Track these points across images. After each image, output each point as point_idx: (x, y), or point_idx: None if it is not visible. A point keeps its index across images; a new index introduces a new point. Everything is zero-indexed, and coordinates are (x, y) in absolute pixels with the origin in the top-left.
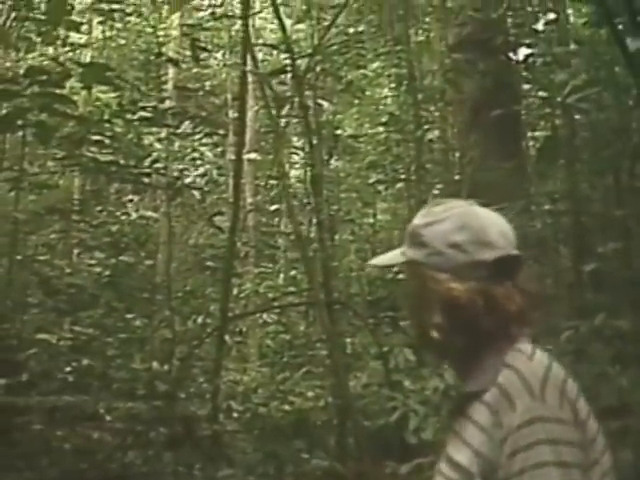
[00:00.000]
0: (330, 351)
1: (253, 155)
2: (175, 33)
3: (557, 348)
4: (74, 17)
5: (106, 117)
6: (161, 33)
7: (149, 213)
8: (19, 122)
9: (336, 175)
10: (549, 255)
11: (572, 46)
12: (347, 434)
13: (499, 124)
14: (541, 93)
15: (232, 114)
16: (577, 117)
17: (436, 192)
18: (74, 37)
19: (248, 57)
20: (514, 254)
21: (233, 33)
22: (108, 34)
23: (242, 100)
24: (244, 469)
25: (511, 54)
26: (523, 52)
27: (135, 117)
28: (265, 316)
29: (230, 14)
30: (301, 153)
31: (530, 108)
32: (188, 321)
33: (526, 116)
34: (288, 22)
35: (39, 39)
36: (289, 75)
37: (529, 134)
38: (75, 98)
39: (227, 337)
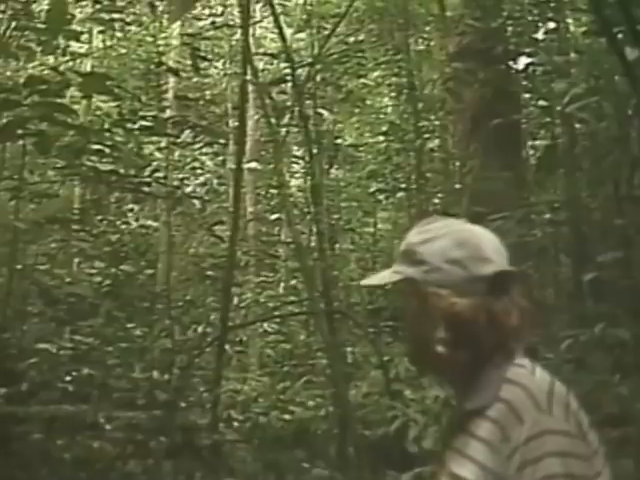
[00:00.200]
0: (330, 360)
1: (253, 164)
2: (175, 42)
3: (557, 357)
4: (74, 26)
5: (106, 126)
6: (161, 42)
7: (149, 222)
8: (19, 131)
9: (336, 184)
10: (549, 264)
11: (572, 55)
12: (348, 443)
13: (499, 133)
14: (541, 102)
15: (232, 123)
16: (577, 126)
17: (436, 201)
18: (74, 46)
19: (248, 66)
20: (510, 270)
21: (233, 42)
22: (108, 43)
23: (242, 109)
24: (244, 479)
25: (511, 63)
26: (523, 61)
27: (135, 126)
28: (265, 325)
29: (230, 23)
30: (301, 162)
31: (530, 117)
32: (188, 330)
33: (526, 125)
34: (288, 31)
35: (39, 48)
36: (289, 84)
37: (529, 143)
38: (75, 107)
39: (227, 346)
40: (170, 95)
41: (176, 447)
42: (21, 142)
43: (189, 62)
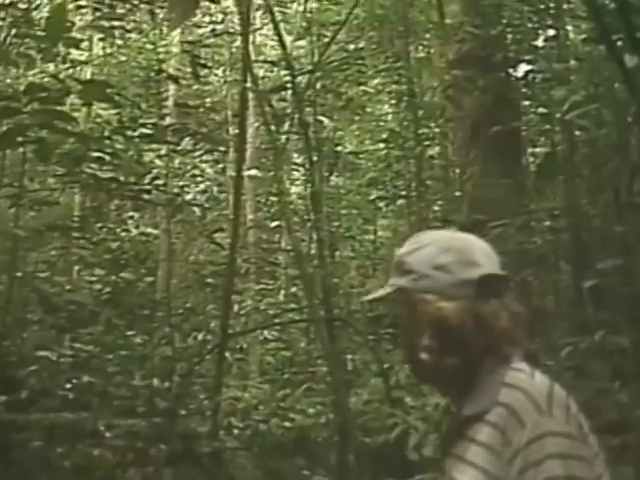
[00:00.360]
0: (331, 368)
1: (254, 172)
2: (176, 50)
3: (557, 364)
4: (74, 34)
5: (106, 134)
6: (161, 50)
7: (149, 230)
8: (19, 139)
9: (337, 192)
10: (549, 271)
11: (571, 62)
12: (348, 451)
13: (499, 140)
14: (541, 109)
15: (232, 131)
16: (577, 133)
17: (437, 209)
18: (75, 54)
19: (248, 74)
20: (499, 274)
21: (234, 50)
22: (108, 51)
23: (242, 117)
24: None
25: (511, 70)
26: (523, 68)
27: (135, 134)
28: (266, 333)
29: (230, 31)
30: (302, 170)
31: (530, 124)
32: (188, 338)
33: (526, 132)
34: (288, 39)
35: (39, 56)
36: (289, 92)
37: (529, 150)
38: (75, 115)
39: (227, 354)
40: (170, 102)
41: (176, 455)
42: (21, 150)
43: (189, 69)
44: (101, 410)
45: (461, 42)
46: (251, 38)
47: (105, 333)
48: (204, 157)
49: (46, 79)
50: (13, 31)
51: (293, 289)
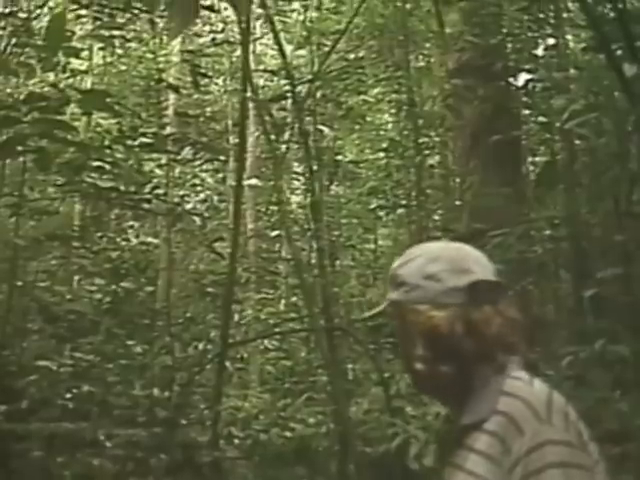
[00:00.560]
0: (331, 377)
1: (254, 181)
2: (176, 59)
3: (558, 373)
4: (74, 43)
5: (106, 143)
6: (161, 59)
7: (149, 239)
8: (19, 148)
9: (337, 201)
10: (549, 280)
11: (571, 71)
12: (348, 460)
13: (499, 149)
14: (541, 118)
15: (233, 140)
16: (577, 142)
17: (437, 218)
18: (75, 63)
19: (248, 83)
20: (491, 280)
21: (234, 59)
22: (108, 60)
23: (242, 126)
24: None
25: (511, 79)
26: (523, 77)
27: (135, 143)
28: (266, 342)
29: (231, 40)
30: (302, 179)
31: (530, 133)
32: (188, 347)
33: (526, 141)
34: (288, 48)
35: (39, 65)
36: (289, 101)
37: (529, 159)
38: (75, 124)
39: (228, 363)
40: (170, 112)
41: (176, 465)
42: (21, 159)
43: (189, 79)
44: (101, 420)
45: (461, 51)
46: (251, 47)
47: (105, 342)
48: (204, 166)
49: (46, 88)
50: (13, 40)
51: (293, 298)
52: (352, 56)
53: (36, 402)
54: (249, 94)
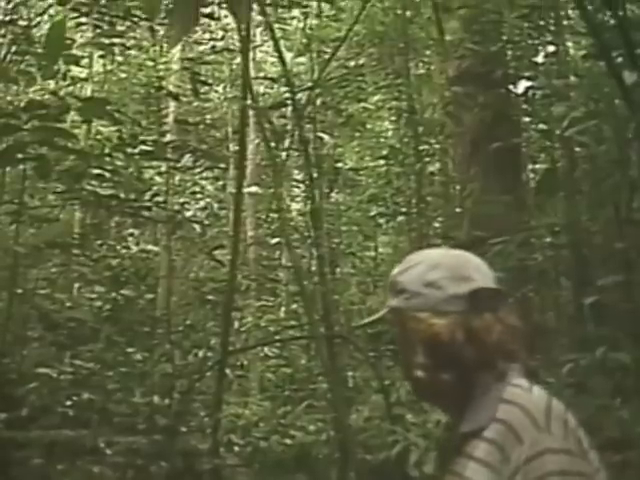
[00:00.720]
0: (331, 385)
1: (254, 188)
2: (176, 67)
3: (558, 381)
4: (74, 51)
5: (107, 151)
6: (162, 67)
7: (149, 247)
8: (19, 156)
9: (337, 208)
10: (550, 288)
11: (571, 79)
12: (349, 468)
13: (499, 157)
14: (541, 126)
15: (233, 147)
16: (577, 149)
17: (437, 225)
18: (75, 71)
19: (248, 91)
20: (492, 287)
21: (234, 67)
22: (109, 68)
23: (242, 133)
24: None
25: (511, 87)
26: (523, 85)
27: (136, 151)
28: (266, 350)
29: (230, 48)
30: (302, 186)
31: (530, 141)
32: (189, 355)
33: (526, 149)
34: (288, 55)
35: (39, 73)
36: (289, 108)
37: (529, 167)
38: (75, 132)
39: (228, 371)
40: (170, 119)
41: (177, 472)
42: (21, 166)
43: (189, 86)
44: (101, 427)
45: (461, 59)
46: (251, 55)
47: (105, 350)
48: (204, 174)
49: (46, 96)
50: (13, 48)
51: (293, 306)
52: (352, 64)
53: (36, 410)
54: (249, 101)
